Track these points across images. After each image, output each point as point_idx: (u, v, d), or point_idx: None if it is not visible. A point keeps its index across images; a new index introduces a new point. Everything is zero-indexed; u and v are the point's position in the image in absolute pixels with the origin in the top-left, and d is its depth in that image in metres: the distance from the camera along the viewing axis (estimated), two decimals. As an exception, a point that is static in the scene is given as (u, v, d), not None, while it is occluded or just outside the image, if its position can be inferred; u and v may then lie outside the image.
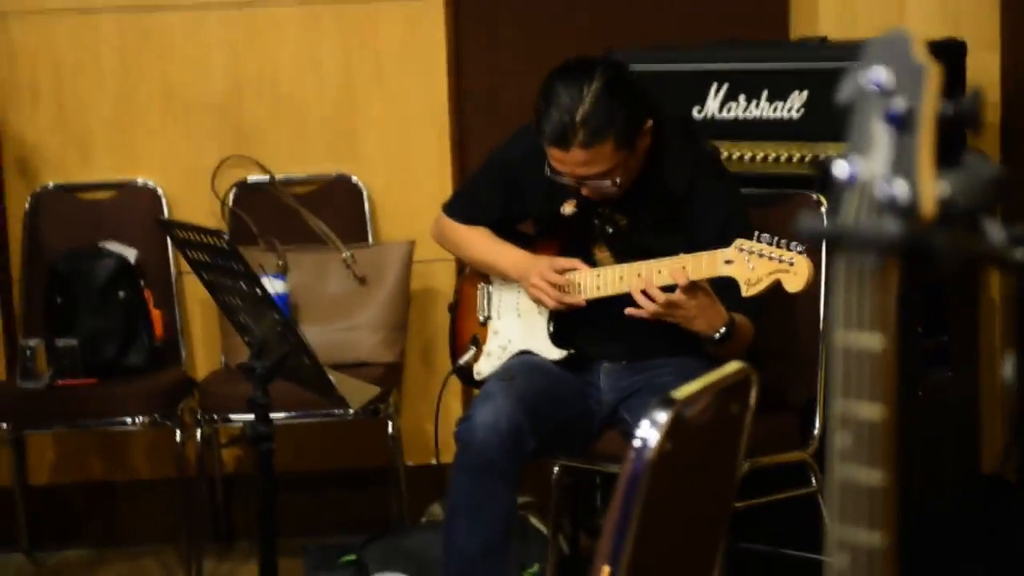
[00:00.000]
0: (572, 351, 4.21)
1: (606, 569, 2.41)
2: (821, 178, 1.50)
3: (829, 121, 4.41)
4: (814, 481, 4.22)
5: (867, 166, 1.52)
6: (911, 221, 1.47)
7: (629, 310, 3.90)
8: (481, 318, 4.39)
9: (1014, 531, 4.40)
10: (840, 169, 1.54)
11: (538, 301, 4.16)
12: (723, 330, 3.91)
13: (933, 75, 1.48)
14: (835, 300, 1.56)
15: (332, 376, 3.72)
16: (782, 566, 4.52)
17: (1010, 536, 4.37)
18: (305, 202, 5.17)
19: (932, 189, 1.50)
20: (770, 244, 3.73)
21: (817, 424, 4.25)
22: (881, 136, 1.52)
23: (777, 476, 4.20)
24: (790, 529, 4.40)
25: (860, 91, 1.54)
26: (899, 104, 1.50)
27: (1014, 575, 4.30)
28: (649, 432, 2.38)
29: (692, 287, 3.82)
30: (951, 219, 1.56)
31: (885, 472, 1.56)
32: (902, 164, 1.50)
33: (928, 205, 1.49)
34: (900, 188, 1.48)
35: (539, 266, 4.12)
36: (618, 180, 3.99)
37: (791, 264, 3.67)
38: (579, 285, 4.08)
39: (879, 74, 1.52)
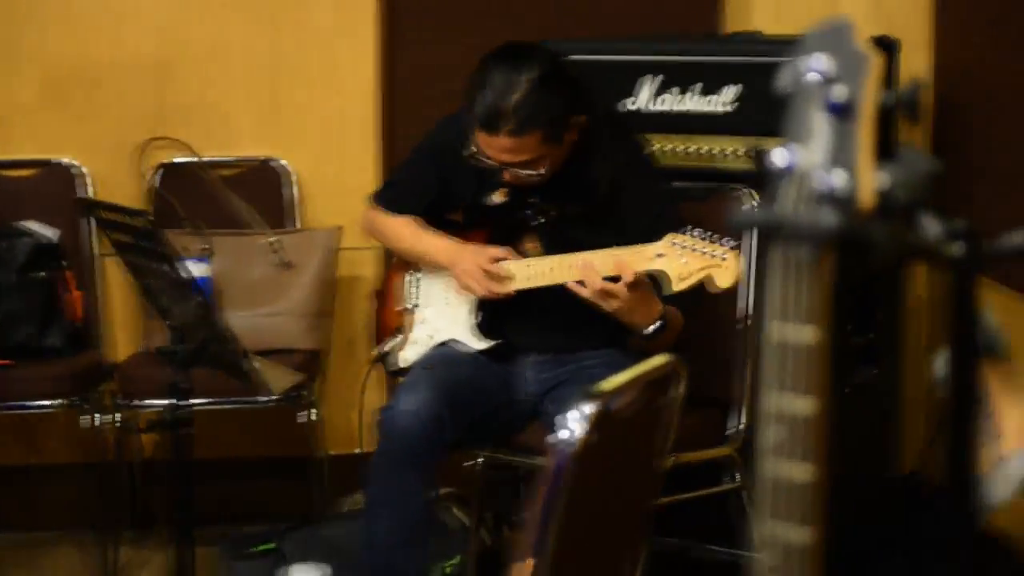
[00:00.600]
0: (498, 342, 4.19)
1: (530, 562, 2.39)
2: (758, 168, 1.48)
3: (762, 115, 4.42)
4: (737, 477, 4.23)
5: (805, 156, 1.50)
6: (849, 212, 1.45)
7: (570, 285, 3.88)
8: (407, 306, 4.35)
9: (932, 527, 4.43)
10: (778, 158, 1.52)
11: (468, 289, 4.13)
12: (658, 324, 3.90)
13: (873, 65, 1.47)
14: (769, 293, 1.54)
15: (254, 362, 3.69)
16: (702, 562, 4.53)
17: (928, 532, 4.39)
18: (231, 185, 5.12)
19: (870, 180, 1.49)
20: (702, 239, 3.72)
21: (741, 420, 4.25)
22: (820, 126, 1.50)
23: (697, 472, 4.20)
24: (710, 525, 4.41)
25: (800, 80, 1.52)
26: (840, 93, 1.49)
27: (932, 571, 4.32)
28: (575, 424, 2.36)
29: (636, 282, 3.81)
30: (888, 212, 1.54)
31: (816, 467, 1.55)
32: (841, 154, 1.48)
33: (866, 197, 1.48)
34: (839, 179, 1.46)
35: (471, 254, 4.11)
36: (542, 171, 4.00)
37: (723, 259, 3.66)
38: (511, 274, 4.06)
39: (820, 62, 1.50)
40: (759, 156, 1.54)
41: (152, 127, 5.13)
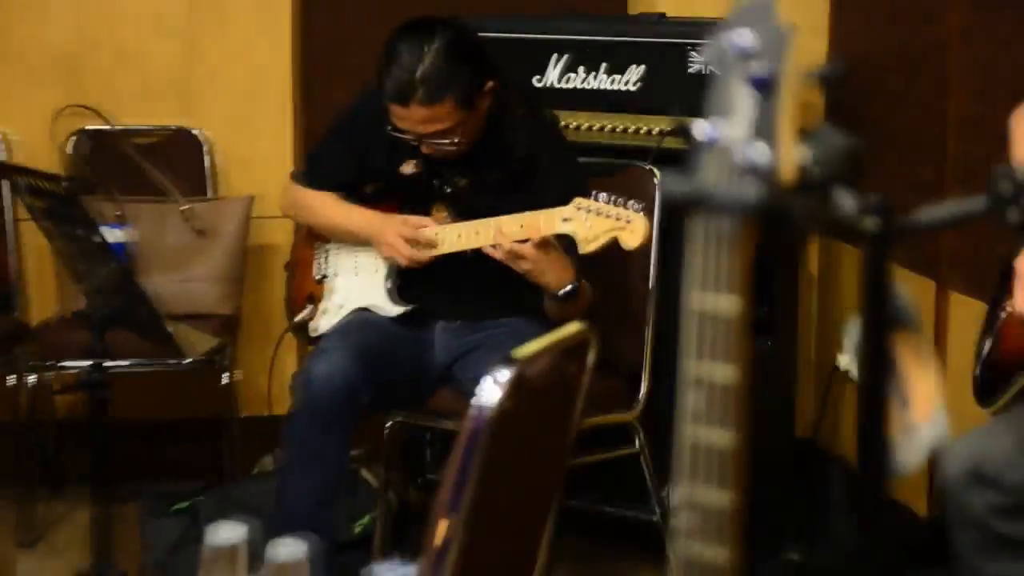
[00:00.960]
0: (412, 306, 4.20)
1: (444, 522, 2.39)
2: (684, 141, 1.48)
3: (666, 95, 4.45)
4: (637, 443, 4.25)
5: (728, 129, 1.51)
6: (770, 185, 1.46)
7: (485, 248, 3.92)
8: (318, 277, 4.38)
9: (824, 490, 4.48)
10: (701, 131, 1.52)
11: (390, 258, 4.16)
12: (570, 287, 3.94)
13: (790, 39, 1.47)
14: (691, 263, 1.55)
15: (169, 326, 3.67)
16: (605, 523, 4.55)
17: (820, 495, 4.43)
18: (145, 153, 5.09)
19: (792, 155, 1.49)
20: (607, 203, 3.75)
21: (643, 387, 4.27)
22: (743, 100, 1.51)
23: (601, 436, 4.22)
24: (618, 486, 4.43)
25: (723, 55, 1.52)
26: (761, 68, 1.49)
27: (823, 532, 4.36)
28: (491, 390, 2.36)
29: (543, 243, 3.85)
30: (808, 186, 1.55)
31: (735, 433, 1.55)
32: (763, 128, 1.49)
33: (787, 170, 1.48)
34: (761, 152, 1.47)
35: (393, 224, 4.13)
36: (458, 140, 4.03)
37: (628, 222, 3.71)
38: (433, 241, 4.08)
39: (744, 37, 1.51)
40: (683, 130, 1.54)
41: (68, 95, 5.08)
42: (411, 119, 3.93)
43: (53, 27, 5.13)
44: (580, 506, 4.44)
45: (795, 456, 4.72)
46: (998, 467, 2.55)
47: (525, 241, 3.85)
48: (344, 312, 4.26)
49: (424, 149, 4.04)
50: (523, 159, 4.13)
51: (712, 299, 1.54)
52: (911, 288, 1.67)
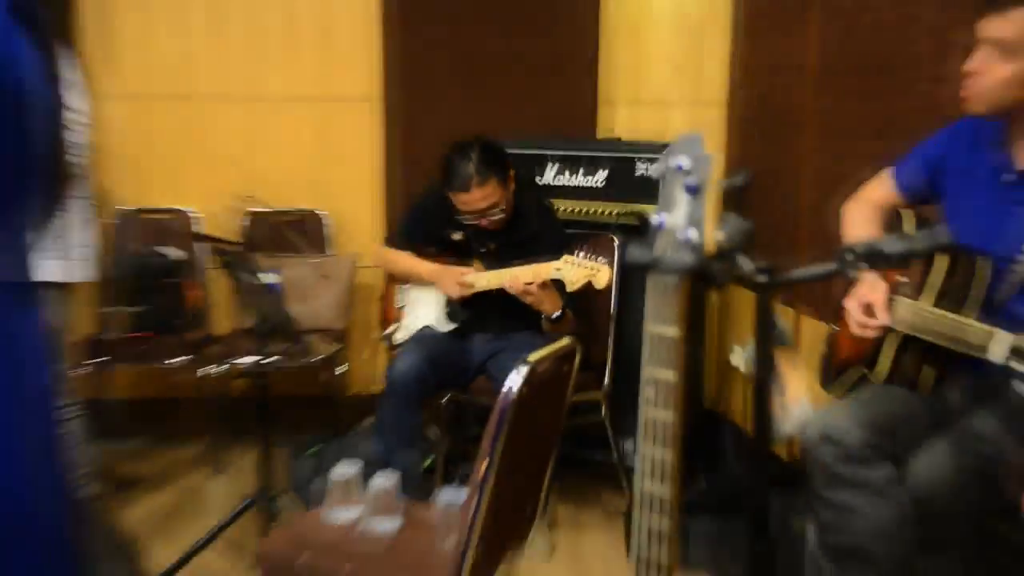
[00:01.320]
0: (457, 325, 4.22)
1: (484, 462, 2.39)
2: (642, 226, 1.51)
3: (622, 190, 4.49)
4: (603, 412, 4.23)
5: (671, 219, 1.53)
6: (699, 255, 1.47)
7: (506, 287, 3.97)
8: (399, 306, 4.42)
9: (720, 442, 4.45)
10: (654, 220, 1.53)
11: (447, 293, 4.19)
12: (559, 313, 4.02)
13: (715, 162, 1.48)
14: (648, 304, 1.56)
15: (303, 336, 3.71)
16: (582, 463, 4.54)
17: (722, 455, 4.41)
18: (288, 226, 5.09)
19: (711, 235, 1.50)
20: (584, 258, 3.83)
21: (607, 378, 4.26)
22: (680, 200, 1.52)
23: (580, 408, 4.21)
24: (587, 441, 4.45)
25: (668, 170, 1.53)
26: (693, 180, 1.50)
27: (720, 470, 4.31)
28: (514, 380, 2.36)
29: (543, 284, 3.93)
30: (721, 254, 1.56)
31: (676, 415, 1.55)
32: (693, 218, 1.50)
33: (709, 245, 1.49)
34: (693, 234, 1.49)
35: (447, 272, 4.17)
36: (503, 208, 4.07)
37: (598, 271, 3.78)
38: (471, 283, 4.09)
39: (682, 160, 1.52)
40: (642, 218, 1.55)
41: (239, 184, 5.05)
42: (472, 200, 3.97)
43: (230, 137, 5.12)
44: (568, 452, 4.43)
45: (702, 421, 4.70)
46: (839, 432, 2.54)
47: (531, 283, 3.90)
48: (415, 328, 4.27)
49: (483, 223, 4.08)
50: (531, 231, 4.15)
51: (661, 327, 1.54)
52: (785, 317, 1.67)
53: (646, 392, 1.56)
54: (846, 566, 2.49)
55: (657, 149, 4.42)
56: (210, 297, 5.10)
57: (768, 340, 1.59)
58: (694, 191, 1.52)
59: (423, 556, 2.71)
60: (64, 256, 3.89)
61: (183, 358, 4.72)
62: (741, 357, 4.17)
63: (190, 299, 4.97)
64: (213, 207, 5.11)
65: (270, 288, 3.52)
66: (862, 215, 2.95)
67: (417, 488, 3.84)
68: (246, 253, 3.57)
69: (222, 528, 3.69)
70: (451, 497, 2.78)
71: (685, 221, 1.53)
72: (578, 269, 3.87)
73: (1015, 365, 2.27)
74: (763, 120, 4.57)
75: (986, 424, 2.54)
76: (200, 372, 4.58)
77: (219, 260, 3.82)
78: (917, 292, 2.61)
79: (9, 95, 1.42)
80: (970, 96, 2.53)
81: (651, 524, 1.62)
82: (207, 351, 4.80)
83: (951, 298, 2.56)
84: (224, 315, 5.11)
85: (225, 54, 5.10)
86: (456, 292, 4.14)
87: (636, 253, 1.52)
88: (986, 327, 2.37)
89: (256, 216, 5.13)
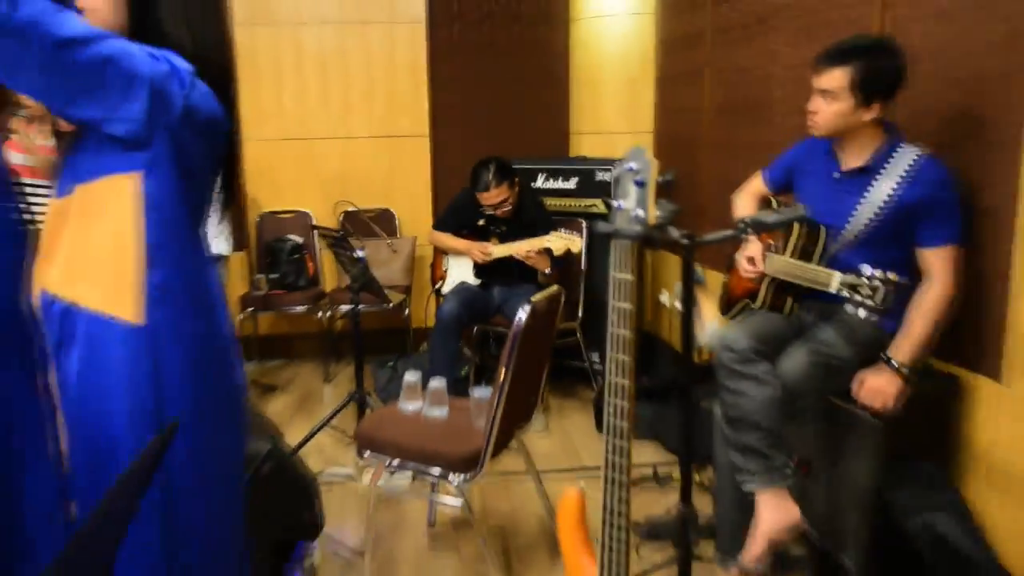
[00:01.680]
0: (482, 280, 4.17)
1: (503, 370, 2.36)
2: (608, 209, 1.48)
3: (587, 190, 4.41)
4: (578, 335, 4.21)
5: (626, 203, 1.48)
6: (644, 227, 1.42)
7: (516, 255, 3.96)
8: (443, 269, 4.33)
9: (657, 359, 4.39)
10: (616, 205, 1.48)
11: (475, 260, 4.12)
12: (549, 270, 3.97)
13: (655, 165, 1.43)
14: (611, 260, 1.51)
15: (384, 290, 3.67)
16: (564, 369, 4.51)
17: (656, 362, 4.35)
18: (371, 219, 5.02)
19: (653, 214, 1.46)
20: (565, 233, 3.84)
21: (580, 311, 4.23)
22: (631, 190, 1.47)
23: (562, 332, 4.19)
24: (567, 354, 4.40)
25: (623, 171, 1.49)
26: (640, 177, 1.45)
27: (657, 371, 4.26)
28: (522, 315, 2.33)
29: (540, 251, 3.90)
30: (659, 226, 1.51)
31: (631, 332, 1.51)
32: (640, 202, 1.45)
33: (652, 220, 1.45)
34: (640, 212, 1.44)
35: (475, 245, 4.11)
36: (511, 204, 4.02)
37: (574, 242, 3.80)
38: (491, 252, 4.05)
39: (632, 163, 1.47)
40: (608, 204, 1.51)
41: (337, 194, 5.01)
42: (490, 197, 3.93)
43: (329, 164, 5.06)
44: (556, 361, 4.39)
45: (643, 340, 4.68)
46: (734, 342, 2.51)
47: (531, 251, 3.87)
48: (455, 283, 4.20)
49: (498, 213, 4.02)
50: (529, 218, 4.09)
51: (621, 275, 1.51)
52: (702, 269, 1.63)
53: (612, 317, 1.53)
54: (739, 429, 2.47)
55: (609, 163, 4.36)
56: (321, 267, 5.06)
57: (690, 283, 1.56)
58: (640, 184, 1.48)
59: (465, 431, 2.70)
60: (218, 236, 3.90)
61: (305, 307, 4.72)
62: (668, 297, 4.13)
63: (309, 268, 4.95)
64: (321, 209, 5.06)
65: (360, 259, 3.49)
66: (745, 201, 2.92)
67: (458, 389, 3.83)
68: (344, 237, 3.53)
69: (331, 417, 3.69)
70: (481, 394, 2.76)
71: (635, 204, 1.49)
72: (561, 241, 3.85)
73: (845, 294, 2.26)
74: (677, 143, 4.51)
75: (828, 334, 2.52)
76: (317, 316, 4.58)
77: (326, 242, 3.77)
78: (782, 249, 2.58)
79: (222, 138, 1.48)
80: (812, 125, 2.53)
81: (616, 405, 1.60)
82: (320, 302, 4.80)
83: (804, 253, 2.54)
84: (331, 278, 5.07)
85: (326, 107, 5.03)
86: (481, 259, 4.10)
87: (602, 226, 1.48)
88: (827, 270, 2.36)
89: (350, 213, 5.06)
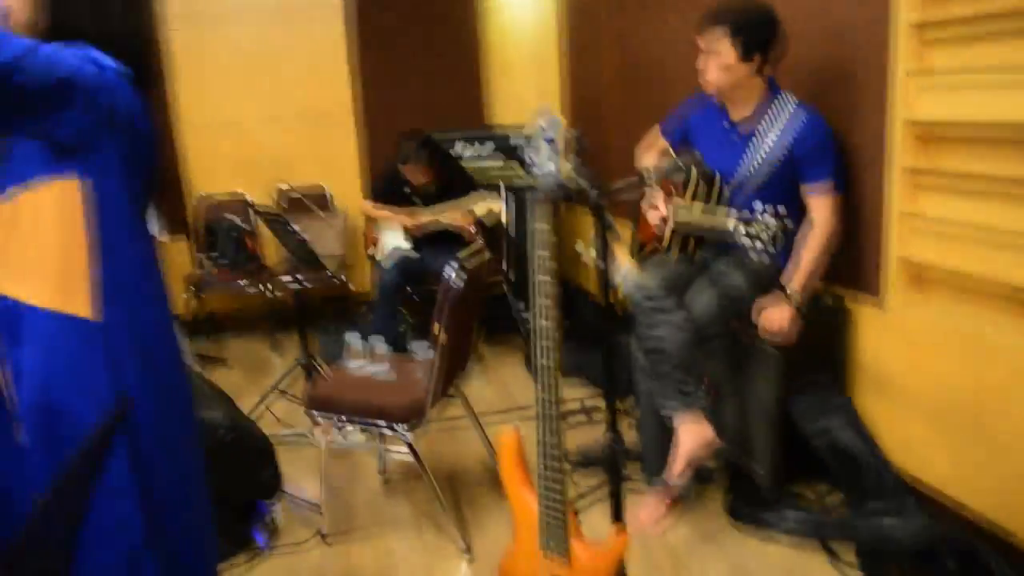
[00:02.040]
0: (416, 245, 4.11)
1: (438, 326, 2.34)
2: (525, 166, 1.47)
3: (505, 155, 4.37)
4: (505, 286, 4.21)
5: (540, 160, 1.46)
6: (559, 180, 1.42)
7: (443, 220, 3.90)
8: (375, 236, 4.26)
9: (575, 302, 4.37)
10: (530, 162, 1.47)
11: (405, 226, 4.06)
12: (474, 229, 3.94)
13: (563, 122, 1.42)
14: (530, 213, 1.50)
15: (322, 261, 3.61)
16: (493, 319, 4.47)
17: (575, 307, 4.33)
18: (307, 196, 4.81)
19: (567, 168, 1.45)
20: (485, 195, 3.91)
21: (505, 264, 4.23)
22: (543, 149, 1.45)
23: (490, 285, 4.18)
24: (498, 306, 4.40)
25: (534, 130, 1.47)
26: (549, 135, 1.44)
27: (577, 315, 4.26)
28: (452, 272, 2.30)
29: (463, 213, 3.90)
30: (572, 180, 1.50)
31: (551, 278, 1.51)
32: (553, 159, 1.44)
33: (566, 175, 1.44)
34: (553, 167, 1.43)
35: (406, 212, 4.04)
36: (434, 172, 4.01)
37: (493, 202, 3.88)
38: (419, 219, 4.00)
39: (542, 122, 1.45)
40: (524, 164, 1.49)
41: (273, 173, 4.83)
42: (414, 172, 3.86)
43: (262, 146, 4.86)
44: (486, 316, 4.37)
45: (564, 288, 4.70)
46: (645, 284, 2.53)
47: (456, 214, 3.84)
48: (387, 249, 4.13)
49: (420, 181, 3.95)
50: (450, 181, 4.05)
51: (540, 225, 1.50)
52: (613, 219, 1.63)
53: (534, 265, 1.52)
54: (655, 362, 2.51)
55: (520, 130, 4.34)
56: (262, 244, 4.93)
57: (604, 232, 1.56)
58: (550, 141, 1.47)
59: (407, 385, 2.68)
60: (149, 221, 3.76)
61: (248, 283, 4.60)
62: (582, 247, 4.13)
63: (249, 246, 4.81)
64: (257, 190, 4.89)
65: (296, 234, 3.41)
66: (646, 153, 2.93)
67: (398, 347, 3.80)
68: (282, 217, 3.43)
69: (280, 381, 3.62)
70: (420, 350, 2.75)
71: (547, 160, 1.48)
72: (482, 202, 3.82)
73: (741, 229, 2.29)
74: (584, 108, 4.49)
75: (727, 269, 2.57)
76: (261, 289, 4.47)
77: (264, 221, 3.66)
78: (683, 196, 2.60)
79: (144, 134, 1.42)
80: (703, 82, 2.55)
81: (543, 347, 1.60)
82: (262, 277, 4.68)
83: (702, 199, 2.57)
84: (272, 253, 4.95)
85: (256, 91, 4.86)
86: (410, 225, 4.04)
87: (518, 183, 1.47)
88: (723, 212, 2.39)
89: (285, 192, 4.90)
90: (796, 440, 2.61)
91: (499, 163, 4.40)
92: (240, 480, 2.59)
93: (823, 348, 2.65)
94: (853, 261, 2.55)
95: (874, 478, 2.48)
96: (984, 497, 2.23)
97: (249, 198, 4.89)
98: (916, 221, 2.35)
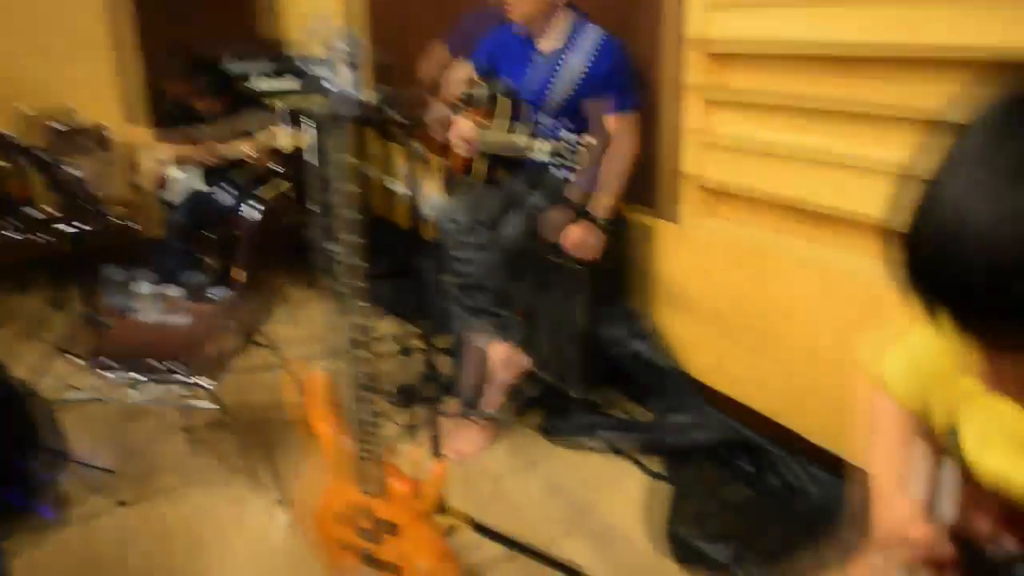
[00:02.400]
0: (211, 183, 3.63)
1: (238, 269, 2.18)
2: (320, 91, 1.34)
3: (309, 87, 4.09)
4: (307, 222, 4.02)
5: (339, 83, 1.35)
6: (362, 107, 1.33)
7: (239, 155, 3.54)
8: (162, 175, 3.79)
9: (381, 233, 4.22)
10: (330, 88, 1.36)
11: (203, 160, 3.62)
12: (275, 166, 3.59)
13: (365, 45, 1.32)
14: (331, 143, 1.40)
15: (104, 206, 3.23)
16: (302, 260, 4.26)
17: (381, 233, 4.18)
18: (84, 136, 4.35)
19: (370, 94, 1.35)
20: (285, 128, 3.55)
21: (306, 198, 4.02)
22: (345, 72, 1.36)
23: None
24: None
25: (334, 53, 1.36)
26: (351, 59, 1.34)
27: (394, 258, 4.15)
28: (252, 212, 2.14)
29: (262, 149, 3.55)
30: (377, 107, 1.42)
31: (355, 212, 1.43)
32: (356, 84, 1.34)
33: (370, 101, 1.35)
34: (355, 93, 1.33)
35: (206, 146, 3.62)
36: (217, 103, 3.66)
37: (298, 136, 3.55)
38: (220, 152, 3.61)
39: (342, 45, 1.35)
40: (323, 92, 1.38)
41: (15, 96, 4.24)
42: (184, 92, 3.54)
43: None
44: (292, 256, 4.14)
45: (374, 223, 4.54)
46: (456, 214, 2.49)
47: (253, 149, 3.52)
48: (180, 188, 3.66)
49: (200, 108, 3.61)
50: (239, 107, 3.70)
51: (339, 156, 1.40)
52: (422, 148, 1.55)
53: (335, 199, 1.42)
54: (468, 293, 2.50)
55: (312, 49, 4.07)
56: (32, 189, 4.36)
57: (413, 161, 1.48)
58: (354, 67, 1.36)
59: (207, 333, 2.50)
60: None
61: (19, 233, 4.08)
62: (392, 182, 3.99)
63: (16, 192, 4.25)
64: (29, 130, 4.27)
65: (75, 176, 3.05)
66: (451, 77, 2.85)
67: (196, 293, 3.54)
68: (55, 156, 3.04)
69: (61, 340, 3.28)
70: (220, 295, 2.56)
71: (349, 86, 1.38)
72: (275, 128, 3.57)
73: (545, 148, 2.30)
74: (390, 33, 4.29)
75: (535, 197, 2.58)
76: (38, 237, 3.98)
77: (35, 162, 3.23)
78: (490, 124, 2.57)
79: None
80: (509, 12, 2.51)
81: (351, 284, 1.52)
82: (38, 225, 4.16)
83: (510, 125, 2.55)
84: (46, 200, 4.39)
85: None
86: (211, 160, 3.67)
87: (319, 110, 1.36)
88: (528, 137, 2.39)
89: (61, 133, 4.33)
90: (605, 355, 2.72)
91: (294, 86, 4.11)
92: (14, 453, 2.32)
93: (626, 264, 2.76)
94: (650, 179, 2.64)
95: (673, 387, 2.63)
96: (772, 401, 2.42)
97: (13, 137, 4.29)
98: (707, 138, 2.45)
